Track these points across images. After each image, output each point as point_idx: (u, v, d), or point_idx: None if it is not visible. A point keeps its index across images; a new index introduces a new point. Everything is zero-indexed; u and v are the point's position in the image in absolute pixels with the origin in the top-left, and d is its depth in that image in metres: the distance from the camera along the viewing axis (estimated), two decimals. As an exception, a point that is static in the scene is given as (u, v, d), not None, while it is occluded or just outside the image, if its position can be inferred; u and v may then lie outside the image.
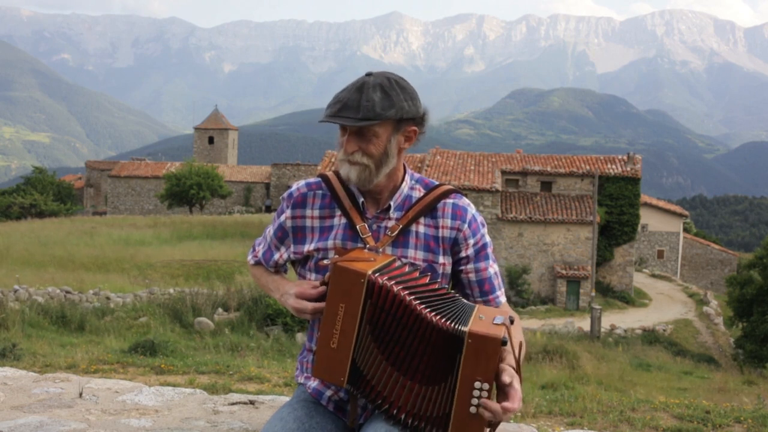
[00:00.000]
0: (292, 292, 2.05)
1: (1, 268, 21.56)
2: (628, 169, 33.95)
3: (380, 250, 2.04)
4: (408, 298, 1.83)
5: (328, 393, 2.10)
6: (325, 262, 2.04)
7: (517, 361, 1.83)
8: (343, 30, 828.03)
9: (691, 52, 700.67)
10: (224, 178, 56.79)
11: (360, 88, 1.98)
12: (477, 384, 1.77)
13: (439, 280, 2.09)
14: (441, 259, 2.10)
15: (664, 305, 33.67)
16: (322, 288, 1.98)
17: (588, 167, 34.05)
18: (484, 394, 1.77)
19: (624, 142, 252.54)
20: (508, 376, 1.76)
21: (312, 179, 2.22)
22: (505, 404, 1.74)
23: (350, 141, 2.01)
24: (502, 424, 2.79)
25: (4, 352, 7.17)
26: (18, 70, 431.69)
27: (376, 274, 1.86)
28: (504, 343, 1.75)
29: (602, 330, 23.79)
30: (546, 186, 33.96)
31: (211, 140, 74.79)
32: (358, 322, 1.87)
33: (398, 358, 1.86)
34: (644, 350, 20.45)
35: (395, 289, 1.83)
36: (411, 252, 2.08)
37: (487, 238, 2.17)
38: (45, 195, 57.61)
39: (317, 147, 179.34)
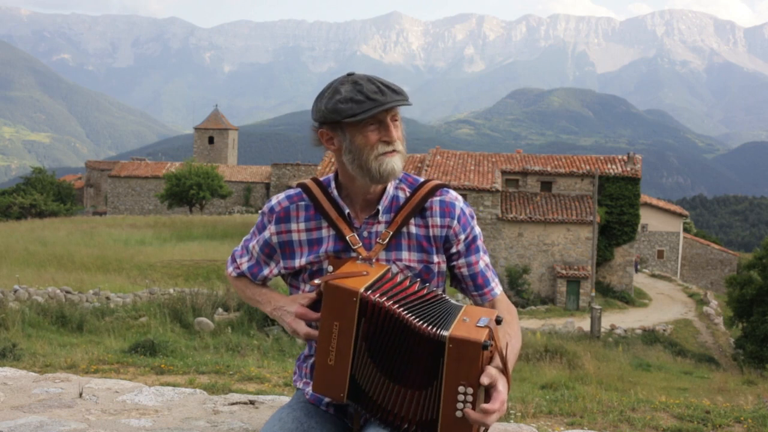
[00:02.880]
0: (292, 310, 2.04)
1: (1, 268, 21.53)
2: (628, 169, 33.96)
3: (373, 259, 2.02)
4: (398, 310, 1.81)
5: (327, 399, 2.09)
6: (317, 281, 1.98)
7: (504, 362, 1.80)
8: (343, 30, 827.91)
9: (691, 52, 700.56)
10: (224, 178, 56.78)
11: (370, 79, 1.98)
12: (461, 389, 1.76)
13: (435, 280, 2.08)
14: (435, 258, 2.08)
15: (664, 305, 33.68)
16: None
17: (588, 167, 34.06)
18: (469, 398, 1.76)
19: (624, 142, 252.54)
20: (487, 377, 1.74)
21: (291, 191, 2.16)
22: (483, 405, 1.73)
23: (396, 128, 2.00)
24: (502, 423, 2.80)
25: (4, 352, 7.17)
26: (18, 70, 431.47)
27: (369, 291, 1.84)
28: (485, 347, 1.73)
29: (602, 330, 23.79)
30: (546, 186, 33.97)
31: (211, 140, 74.77)
32: (354, 339, 1.86)
33: (391, 369, 1.85)
34: (644, 350, 20.44)
35: (387, 304, 1.82)
36: (405, 254, 2.06)
37: (477, 230, 2.15)
38: (45, 195, 57.61)
39: (317, 147, 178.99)
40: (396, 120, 2.00)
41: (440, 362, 1.78)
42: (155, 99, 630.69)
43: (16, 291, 13.95)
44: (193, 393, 3.13)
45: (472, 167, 33.74)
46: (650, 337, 24.24)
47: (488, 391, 1.76)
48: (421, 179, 2.14)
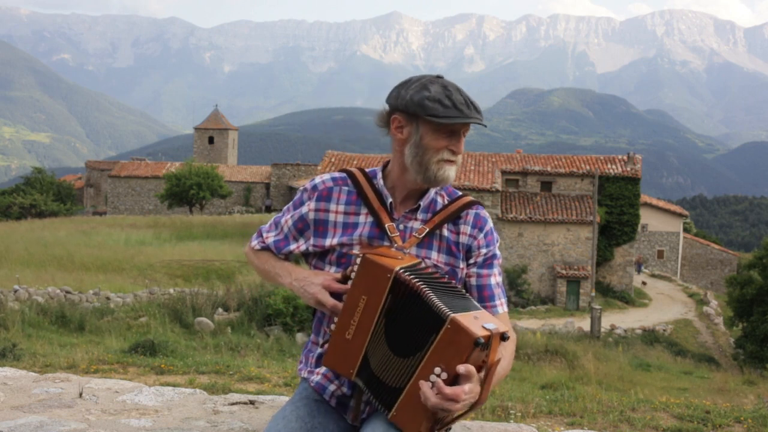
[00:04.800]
0: (318, 281, 2.06)
1: (1, 269, 21.54)
2: (628, 169, 33.96)
3: (407, 250, 2.06)
4: (420, 286, 1.85)
5: (332, 387, 2.11)
6: (355, 251, 2.02)
7: (488, 376, 1.81)
8: (343, 30, 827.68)
9: (691, 52, 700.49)
10: (224, 178, 56.78)
11: (458, 89, 2.04)
12: (437, 370, 1.78)
13: (458, 285, 2.11)
14: (461, 264, 2.13)
15: (664, 305, 33.69)
16: (349, 286, 1.99)
17: (588, 167, 34.06)
18: (440, 382, 1.77)
19: (624, 142, 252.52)
20: (465, 369, 1.75)
21: (336, 173, 2.22)
22: (441, 384, 1.74)
23: (462, 142, 2.08)
24: (501, 423, 2.80)
25: (4, 352, 7.17)
26: (18, 70, 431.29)
27: (402, 271, 1.87)
28: (477, 344, 1.73)
29: (602, 330, 23.80)
30: (546, 186, 33.97)
31: (211, 140, 74.77)
32: (377, 316, 1.88)
33: (397, 341, 1.88)
34: (644, 350, 20.45)
35: (419, 286, 1.85)
36: (434, 255, 2.11)
37: (498, 252, 2.21)
38: (45, 195, 57.61)
39: (317, 147, 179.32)
40: (465, 135, 2.08)
41: (432, 337, 1.79)
42: (155, 99, 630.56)
43: (16, 291, 13.96)
44: (193, 393, 3.13)
45: (472, 167, 33.74)
46: (650, 337, 24.24)
47: (456, 382, 1.77)
48: (460, 192, 2.22)
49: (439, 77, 2.06)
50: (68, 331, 10.71)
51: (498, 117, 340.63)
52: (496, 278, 2.17)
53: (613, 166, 34.30)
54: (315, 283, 2.06)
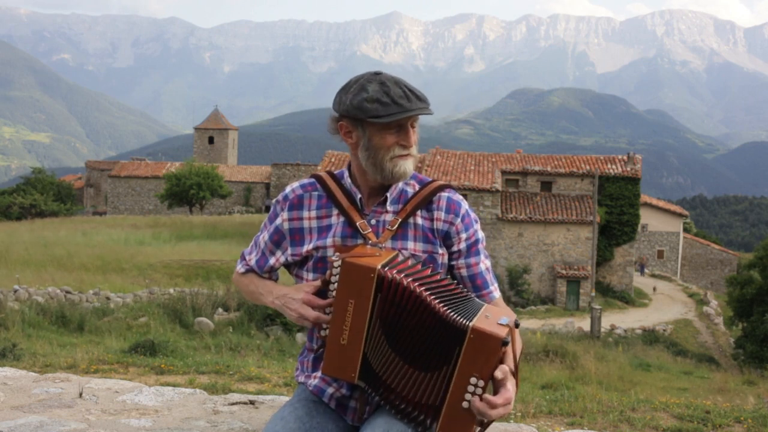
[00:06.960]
0: (299, 297, 2.04)
1: (1, 269, 21.54)
2: (628, 169, 33.97)
3: (382, 245, 2.05)
4: (419, 289, 1.84)
5: (330, 390, 2.10)
6: (334, 258, 1.98)
7: (516, 365, 1.85)
8: (343, 30, 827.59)
9: (691, 52, 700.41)
10: (224, 178, 56.81)
11: (397, 82, 2.02)
12: (473, 380, 1.79)
13: (440, 271, 2.10)
14: (440, 250, 2.12)
15: (664, 305, 33.69)
16: (330, 300, 1.98)
17: (588, 167, 34.06)
18: (479, 390, 1.79)
19: (624, 142, 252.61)
20: (501, 372, 1.79)
21: (305, 180, 2.21)
22: (489, 397, 1.77)
23: (414, 133, 2.06)
24: (502, 423, 2.80)
25: (4, 352, 7.17)
26: (18, 70, 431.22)
27: (385, 268, 1.87)
28: (505, 344, 1.77)
29: (602, 330, 23.80)
30: (546, 186, 33.97)
31: (211, 140, 74.78)
32: (369, 317, 1.87)
33: (405, 348, 1.87)
34: (644, 350, 20.44)
35: (405, 281, 1.84)
36: (410, 244, 2.09)
37: (480, 234, 2.19)
38: (45, 195, 57.62)
39: (317, 147, 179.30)
40: (414, 126, 2.06)
41: (456, 350, 1.80)
42: (155, 99, 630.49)
43: (16, 291, 13.95)
44: (193, 393, 3.13)
45: (472, 167, 33.74)
46: (650, 337, 24.25)
47: (497, 387, 1.80)
48: (430, 179, 2.20)
49: (377, 74, 2.05)
50: (68, 331, 10.71)
51: (498, 117, 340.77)
52: (484, 263, 2.18)
53: (613, 166, 34.31)
54: (295, 299, 2.05)
